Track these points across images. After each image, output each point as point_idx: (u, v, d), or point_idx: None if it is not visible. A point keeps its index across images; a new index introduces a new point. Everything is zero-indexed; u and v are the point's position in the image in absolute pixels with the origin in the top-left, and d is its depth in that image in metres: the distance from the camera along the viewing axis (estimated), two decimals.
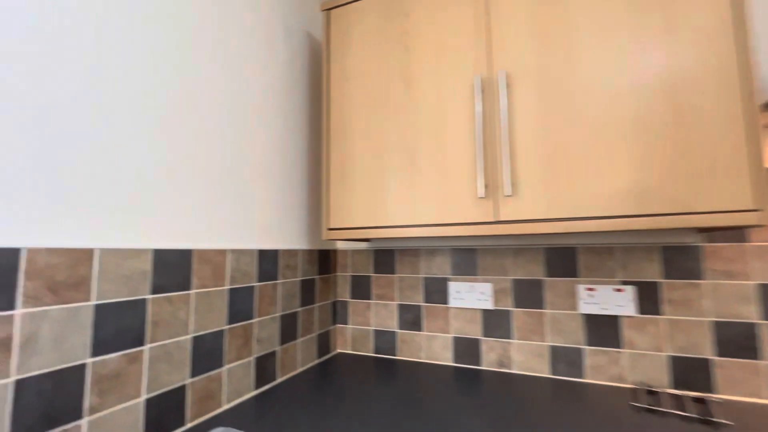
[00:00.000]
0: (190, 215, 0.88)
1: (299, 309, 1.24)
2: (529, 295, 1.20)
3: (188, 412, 0.85)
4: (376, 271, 1.42)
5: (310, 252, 1.31)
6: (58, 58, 0.65)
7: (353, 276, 1.46)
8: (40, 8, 0.63)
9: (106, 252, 0.70)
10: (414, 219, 1.06)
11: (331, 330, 1.43)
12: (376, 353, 1.40)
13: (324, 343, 1.37)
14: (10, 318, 0.57)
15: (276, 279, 1.14)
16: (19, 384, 0.58)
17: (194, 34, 0.91)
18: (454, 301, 1.28)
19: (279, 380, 1.13)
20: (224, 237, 0.97)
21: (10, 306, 0.57)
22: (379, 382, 1.12)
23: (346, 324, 1.46)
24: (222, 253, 0.95)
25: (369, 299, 1.43)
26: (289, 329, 1.18)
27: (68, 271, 0.64)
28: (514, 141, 0.95)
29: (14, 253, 0.58)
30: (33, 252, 0.60)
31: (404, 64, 1.11)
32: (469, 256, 1.29)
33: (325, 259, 1.41)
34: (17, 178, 0.59)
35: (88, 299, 0.67)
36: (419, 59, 1.09)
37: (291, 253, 1.21)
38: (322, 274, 1.38)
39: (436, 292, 1.33)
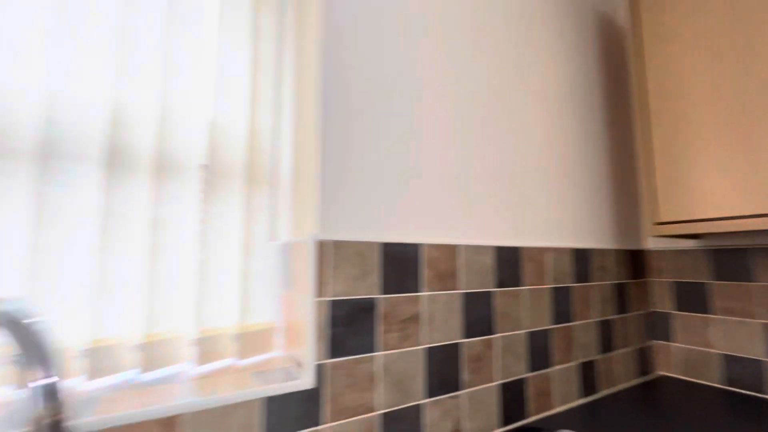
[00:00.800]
0: (516, 213, 0.92)
1: (614, 317, 1.09)
2: None
3: (528, 406, 0.87)
4: (718, 277, 1.09)
5: (619, 252, 1.15)
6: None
7: (677, 282, 1.18)
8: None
9: (467, 248, 0.81)
10: None
11: (649, 346, 1.19)
12: (726, 385, 1.06)
13: (642, 360, 1.16)
14: (419, 298, 0.73)
15: (589, 281, 1.05)
16: (429, 351, 0.73)
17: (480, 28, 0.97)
18: None
19: (602, 393, 1.02)
20: (542, 235, 0.96)
21: (418, 289, 0.73)
22: (747, 427, 0.83)
23: (668, 341, 1.19)
24: (542, 251, 0.95)
25: (707, 313, 1.11)
26: (605, 338, 1.06)
27: (446, 263, 0.78)
28: None
29: (416, 248, 0.74)
30: (427, 247, 0.75)
31: None
32: None
33: (636, 261, 1.20)
34: (422, 196, 0.76)
35: (457, 288, 0.79)
36: None
37: (602, 252, 1.09)
38: (634, 278, 1.18)
39: None
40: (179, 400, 0.51)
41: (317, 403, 0.60)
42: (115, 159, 0.61)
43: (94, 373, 0.57)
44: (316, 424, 0.59)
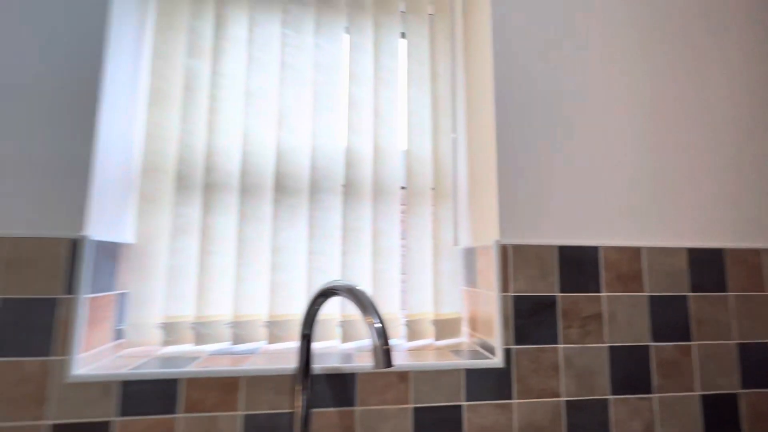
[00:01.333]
0: (718, 212, 0.83)
1: None
2: None
3: (742, 426, 0.78)
4: None
5: None
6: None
7: None
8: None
9: (651, 250, 0.79)
10: None
11: None
12: None
13: None
14: (599, 298, 0.77)
15: None
16: (612, 350, 0.76)
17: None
18: None
19: None
20: (758, 233, 0.84)
21: (598, 289, 0.77)
22: None
23: None
24: (756, 252, 0.83)
25: None
26: None
27: (627, 265, 0.78)
28: None
29: (594, 250, 0.78)
30: (606, 249, 0.78)
31: None
32: None
33: None
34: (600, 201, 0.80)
35: (642, 290, 0.78)
36: None
37: None
38: None
39: None
40: (407, 362, 0.71)
41: (507, 381, 0.72)
42: (350, 189, 0.87)
43: (345, 338, 0.82)
44: (509, 398, 0.71)
